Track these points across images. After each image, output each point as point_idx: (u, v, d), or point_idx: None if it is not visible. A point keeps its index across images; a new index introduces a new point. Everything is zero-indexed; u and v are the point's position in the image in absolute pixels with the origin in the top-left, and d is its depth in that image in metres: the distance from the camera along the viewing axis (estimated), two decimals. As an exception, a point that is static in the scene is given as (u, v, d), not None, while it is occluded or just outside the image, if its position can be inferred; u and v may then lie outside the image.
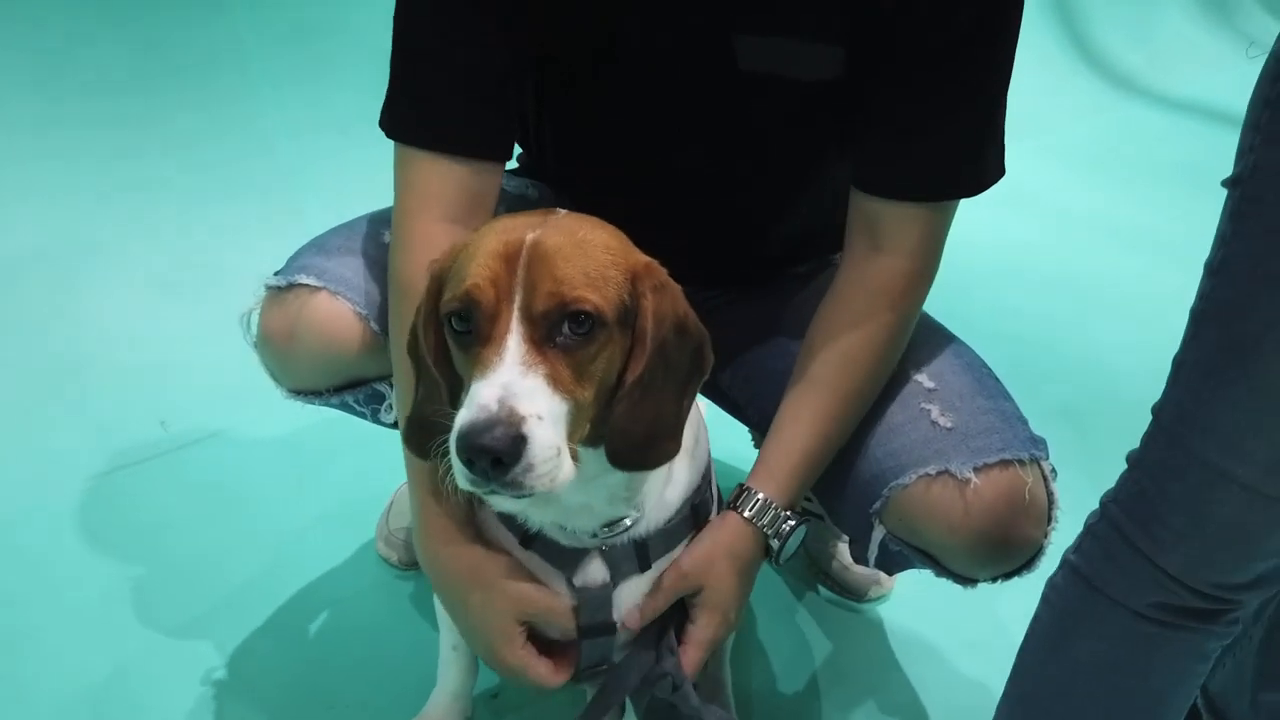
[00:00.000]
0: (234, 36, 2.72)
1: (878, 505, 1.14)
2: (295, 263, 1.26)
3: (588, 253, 0.91)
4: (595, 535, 1.03)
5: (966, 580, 1.17)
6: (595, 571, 1.05)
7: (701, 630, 1.09)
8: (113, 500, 1.77)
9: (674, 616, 1.09)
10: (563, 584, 1.05)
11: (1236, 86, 1.02)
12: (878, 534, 1.16)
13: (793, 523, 1.10)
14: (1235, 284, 0.86)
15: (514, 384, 0.84)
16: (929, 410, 1.15)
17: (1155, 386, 0.92)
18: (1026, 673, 1.05)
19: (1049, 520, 1.13)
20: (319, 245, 1.28)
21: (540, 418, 0.84)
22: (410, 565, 1.64)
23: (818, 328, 1.16)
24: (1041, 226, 2.88)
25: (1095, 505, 0.98)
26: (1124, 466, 0.95)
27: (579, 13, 1.12)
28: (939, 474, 1.10)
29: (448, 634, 1.26)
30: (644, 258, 0.95)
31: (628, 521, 1.03)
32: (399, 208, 1.13)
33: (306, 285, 1.22)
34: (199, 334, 2.13)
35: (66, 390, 2.01)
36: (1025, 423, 1.17)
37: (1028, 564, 1.14)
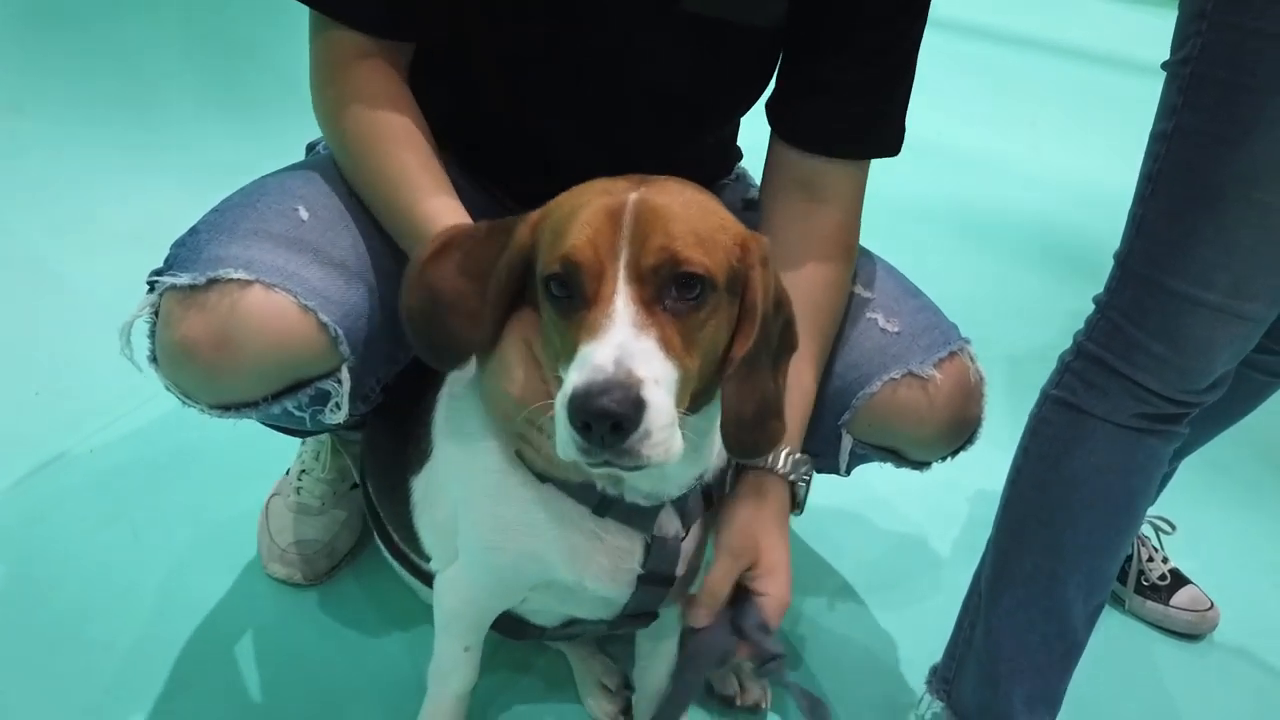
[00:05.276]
0: None
1: (846, 416, 1.21)
2: (202, 254, 1.06)
3: (697, 214, 0.89)
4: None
5: (922, 465, 1.29)
6: (668, 523, 1.04)
7: (773, 602, 1.06)
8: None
9: (737, 597, 1.07)
10: (640, 542, 1.03)
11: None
12: (847, 443, 1.23)
13: (807, 465, 1.12)
14: (1191, 148, 1.03)
15: (629, 345, 0.82)
16: (875, 319, 1.23)
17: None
18: (1021, 498, 1.22)
19: (982, 395, 1.26)
20: (225, 230, 1.09)
21: (657, 382, 0.82)
22: (315, 578, 1.50)
23: None
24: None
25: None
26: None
27: None
28: (904, 376, 1.19)
29: (456, 638, 1.17)
30: (747, 229, 0.93)
31: (704, 475, 1.03)
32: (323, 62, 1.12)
33: (234, 280, 1.03)
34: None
35: None
36: (941, 311, 1.28)
37: (970, 438, 1.27)
